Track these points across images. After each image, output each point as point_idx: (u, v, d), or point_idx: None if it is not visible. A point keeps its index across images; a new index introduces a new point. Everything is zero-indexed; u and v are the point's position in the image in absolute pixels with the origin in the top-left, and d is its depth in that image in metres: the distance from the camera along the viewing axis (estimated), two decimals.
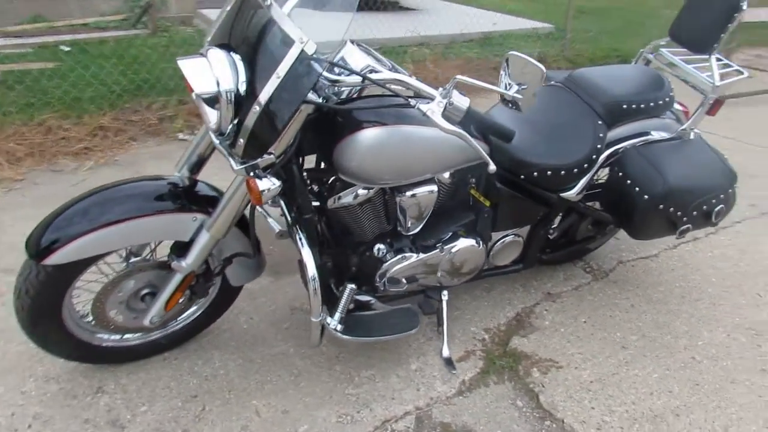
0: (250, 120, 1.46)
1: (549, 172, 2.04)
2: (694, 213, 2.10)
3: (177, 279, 1.78)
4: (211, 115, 1.52)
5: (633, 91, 2.18)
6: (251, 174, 1.53)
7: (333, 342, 2.12)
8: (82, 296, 1.81)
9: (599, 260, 2.71)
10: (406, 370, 2.04)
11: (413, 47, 5.36)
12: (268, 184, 1.51)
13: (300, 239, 1.72)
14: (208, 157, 1.89)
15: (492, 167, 1.61)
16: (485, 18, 6.36)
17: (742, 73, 2.30)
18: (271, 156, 1.53)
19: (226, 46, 1.56)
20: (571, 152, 2.07)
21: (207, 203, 1.76)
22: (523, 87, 1.44)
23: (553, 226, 2.29)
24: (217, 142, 1.57)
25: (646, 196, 2.03)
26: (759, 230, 3.05)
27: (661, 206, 2.03)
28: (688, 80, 2.30)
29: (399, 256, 1.93)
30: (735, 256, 2.81)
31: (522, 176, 2.04)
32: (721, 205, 2.15)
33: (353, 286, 1.87)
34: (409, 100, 1.53)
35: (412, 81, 1.52)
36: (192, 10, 5.97)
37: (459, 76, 1.49)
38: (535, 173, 2.04)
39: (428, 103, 1.51)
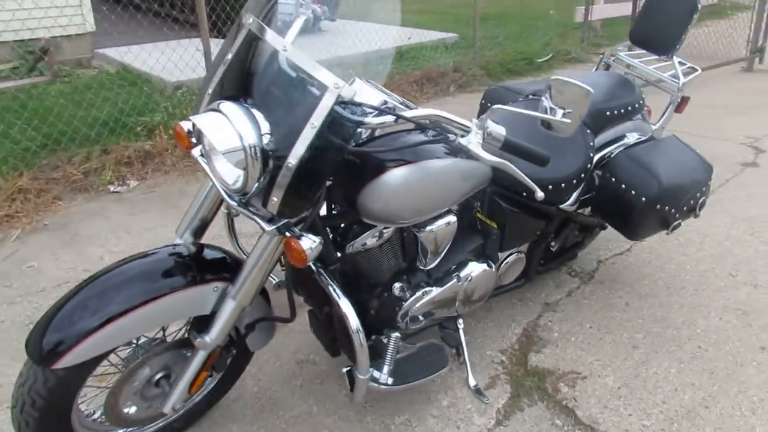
0: (285, 176, 1.33)
1: (551, 186, 2.04)
2: (684, 208, 2.19)
3: (201, 357, 1.60)
4: (232, 175, 1.38)
5: (612, 97, 2.24)
6: (288, 234, 1.41)
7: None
8: (87, 394, 1.58)
9: (580, 263, 2.77)
10: (439, 408, 1.96)
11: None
12: (310, 242, 1.39)
13: (334, 291, 1.60)
14: (212, 219, 1.73)
15: (540, 194, 1.58)
16: (392, 32, 6.36)
17: (696, 70, 2.44)
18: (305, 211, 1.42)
19: (235, 98, 1.43)
20: (568, 164, 2.09)
21: (222, 269, 1.61)
22: (568, 111, 1.41)
23: (554, 239, 2.30)
24: (234, 203, 1.44)
25: (643, 199, 2.08)
26: (709, 212, 3.24)
27: (658, 206, 2.09)
28: (651, 81, 2.40)
29: (419, 293, 1.86)
30: (698, 240, 2.97)
31: (524, 194, 2.03)
32: (704, 197, 2.25)
33: (398, 334, 1.77)
34: (448, 135, 1.47)
35: (447, 115, 1.46)
36: (89, 51, 5.56)
37: (496, 106, 1.45)
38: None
39: (465, 136, 1.46)
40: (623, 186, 2.12)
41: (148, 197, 3.51)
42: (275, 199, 1.37)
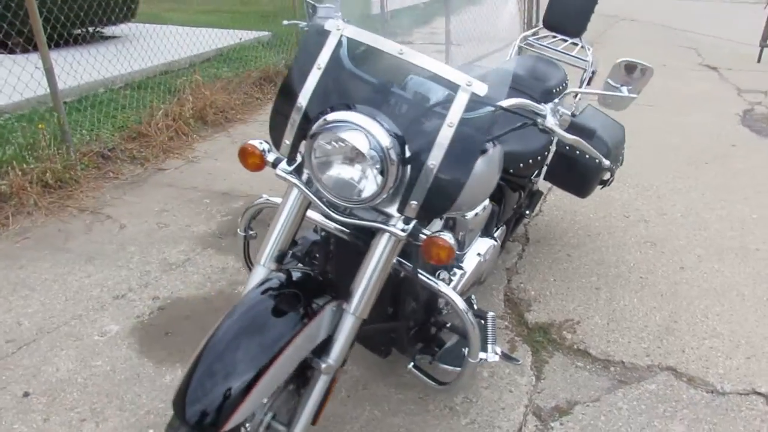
0: (426, 178, 1.35)
1: (530, 161, 2.28)
2: (617, 163, 2.60)
3: (325, 382, 1.51)
4: (369, 182, 1.35)
5: (550, 77, 2.55)
6: (422, 235, 1.41)
7: (401, 386, 2.05)
8: None
9: None
10: (485, 380, 2.10)
11: (181, 77, 4.91)
12: (450, 238, 1.42)
13: (432, 281, 1.63)
14: (292, 245, 1.63)
15: (607, 162, 1.78)
16: (200, 36, 6.00)
17: (590, 48, 2.87)
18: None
19: (345, 107, 1.39)
20: (540, 139, 2.34)
21: (324, 287, 1.54)
22: (629, 87, 1.62)
23: (527, 208, 2.55)
24: (337, 215, 1.41)
25: (596, 161, 2.43)
26: None
27: (606, 165, 2.46)
28: (564, 60, 2.77)
29: (457, 276, 1.96)
30: None
31: (511, 170, 2.24)
32: (624, 152, 2.69)
33: (493, 313, 1.84)
34: (536, 119, 1.59)
35: (528, 102, 1.58)
36: None
37: (572, 89, 1.61)
38: (521, 164, 2.25)
39: (545, 119, 1.59)
40: (577, 152, 2.45)
41: (24, 245, 2.99)
42: (414, 202, 1.37)
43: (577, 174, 2.49)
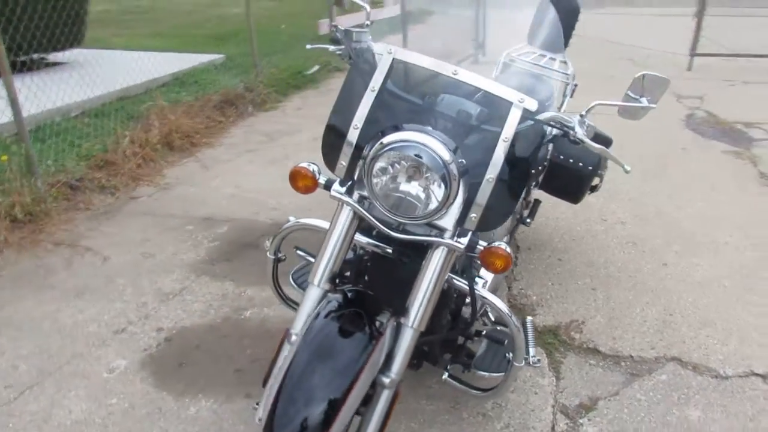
0: (485, 191, 1.41)
1: (533, 171, 2.38)
2: (606, 168, 2.75)
3: (388, 397, 1.53)
4: (434, 195, 1.39)
5: (539, 91, 2.67)
6: (479, 246, 1.47)
7: (431, 397, 2.09)
8: None
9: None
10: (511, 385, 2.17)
11: (142, 103, 4.79)
12: (507, 247, 1.48)
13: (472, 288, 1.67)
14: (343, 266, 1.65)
15: (628, 168, 1.88)
16: (153, 60, 5.86)
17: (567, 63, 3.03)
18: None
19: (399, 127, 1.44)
20: (541, 150, 2.45)
21: (377, 304, 1.56)
22: (648, 98, 1.73)
23: (528, 216, 2.65)
24: (393, 233, 1.46)
25: (590, 167, 2.56)
26: None
27: (598, 171, 2.60)
28: (547, 75, 2.91)
29: (482, 280, 2.02)
30: (553, 198, 3.64)
31: None
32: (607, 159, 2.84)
33: (531, 318, 1.90)
34: (568, 130, 1.68)
35: (560, 115, 1.66)
36: None
37: (597, 102, 1.71)
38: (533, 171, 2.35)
39: (574, 131, 1.68)
40: (571, 161, 2.57)
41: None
42: (474, 215, 1.43)
43: (573, 181, 2.61)
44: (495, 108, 1.44)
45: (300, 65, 7.02)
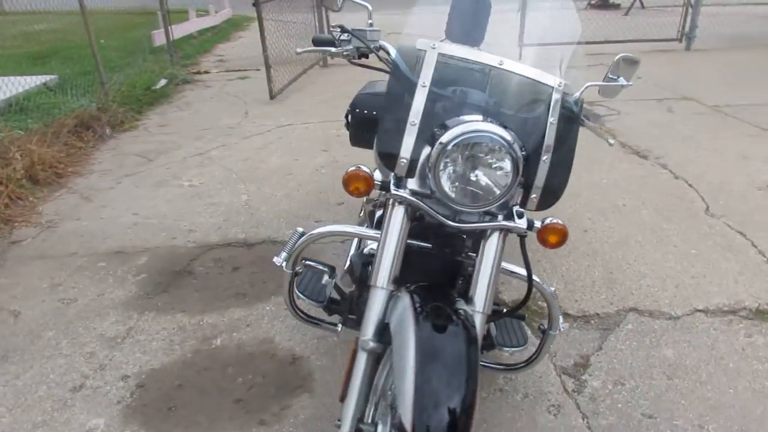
0: (542, 172, 1.50)
1: None
2: None
3: None
4: (500, 180, 1.44)
5: None
6: (544, 222, 1.55)
7: None
8: None
9: None
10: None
11: None
12: (561, 222, 1.57)
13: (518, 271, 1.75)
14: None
15: (611, 141, 2.06)
16: None
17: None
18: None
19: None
20: None
21: (448, 295, 1.57)
22: (625, 78, 1.92)
23: None
24: (452, 222, 1.50)
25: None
26: None
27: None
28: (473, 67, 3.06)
29: None
30: None
31: None
32: None
33: (553, 288, 1.99)
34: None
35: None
36: None
37: (592, 82, 1.86)
38: None
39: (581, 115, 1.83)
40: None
41: None
42: (534, 195, 1.51)
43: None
44: (537, 93, 1.52)
45: (145, 80, 6.55)
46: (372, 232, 1.73)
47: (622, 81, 1.84)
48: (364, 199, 2.95)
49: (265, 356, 2.34)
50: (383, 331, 1.51)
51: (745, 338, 2.37)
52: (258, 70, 7.68)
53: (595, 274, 2.84)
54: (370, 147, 3.01)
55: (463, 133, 1.41)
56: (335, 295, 2.05)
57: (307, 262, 1.92)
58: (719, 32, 8.27)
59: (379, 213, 2.06)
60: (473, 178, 1.45)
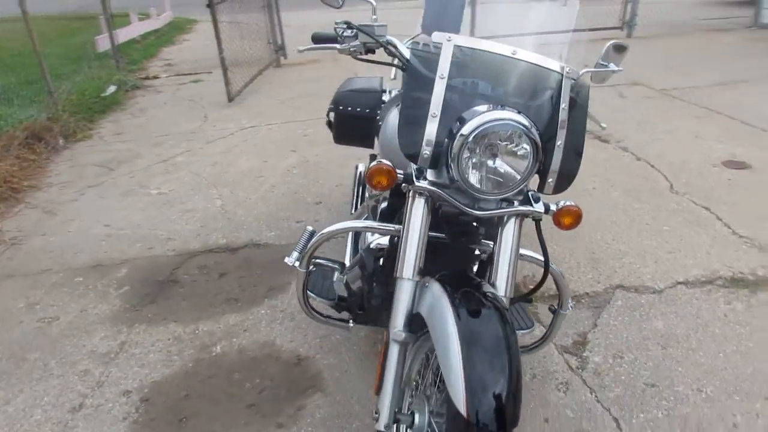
0: (557, 156, 1.55)
1: None
2: None
3: None
4: (519, 166, 1.48)
5: None
6: (559, 205, 1.60)
7: None
8: None
9: None
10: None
11: None
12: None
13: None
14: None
15: (604, 125, 2.12)
16: None
17: None
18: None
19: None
20: None
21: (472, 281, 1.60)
22: (615, 63, 1.98)
23: None
24: (474, 211, 1.53)
25: None
26: None
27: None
28: None
29: None
30: None
31: None
32: None
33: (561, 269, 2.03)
34: None
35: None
36: None
37: (585, 69, 1.92)
38: None
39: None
40: None
41: None
42: (551, 180, 1.56)
43: None
44: (548, 80, 1.57)
45: (94, 88, 6.33)
46: (390, 226, 1.74)
47: (612, 66, 1.91)
48: (356, 194, 2.95)
49: (269, 359, 2.32)
50: (412, 321, 1.53)
51: (725, 305, 2.51)
52: (210, 72, 7.55)
53: (578, 255, 2.94)
54: (356, 144, 3.02)
55: (483, 123, 1.44)
56: (342, 292, 2.06)
57: (318, 261, 1.92)
58: (658, 20, 8.62)
59: (383, 206, 2.08)
60: (494, 166, 1.48)
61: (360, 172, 3.13)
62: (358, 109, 2.80)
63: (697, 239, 3.03)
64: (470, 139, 1.44)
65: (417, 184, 1.52)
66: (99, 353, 2.40)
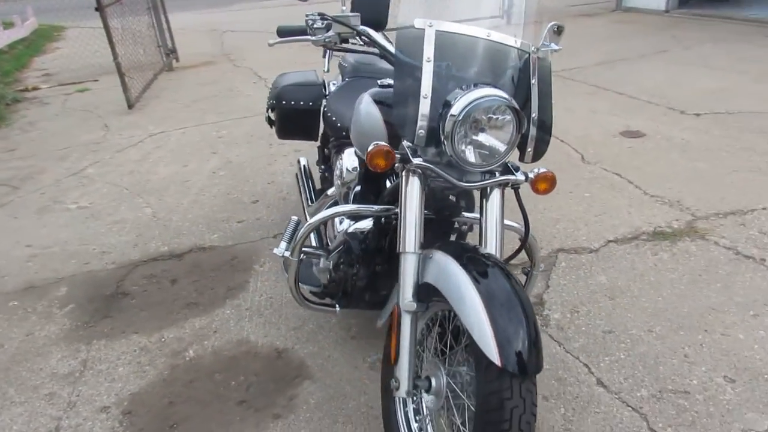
0: (533, 127, 1.69)
1: None
2: None
3: None
4: (503, 139, 1.60)
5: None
6: (536, 172, 1.74)
7: None
8: None
9: None
10: None
11: None
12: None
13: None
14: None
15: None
16: None
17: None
18: None
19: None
20: None
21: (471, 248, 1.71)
22: (555, 43, 2.16)
23: None
24: (465, 184, 1.64)
25: None
26: None
27: None
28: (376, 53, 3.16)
29: None
30: None
31: None
32: None
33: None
34: None
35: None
36: None
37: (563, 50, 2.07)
38: None
39: None
40: None
41: None
42: (530, 149, 1.70)
43: None
44: (517, 58, 1.71)
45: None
46: (378, 207, 1.81)
47: (553, 46, 2.09)
48: (304, 188, 2.97)
49: (248, 356, 2.31)
50: (419, 291, 1.62)
51: (653, 256, 2.81)
52: (96, 80, 7.17)
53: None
54: (300, 138, 3.04)
55: (469, 102, 1.54)
56: (326, 278, 2.11)
57: (305, 249, 1.95)
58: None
59: (356, 190, 2.14)
60: (480, 140, 1.60)
61: (303, 166, 3.15)
62: (302, 103, 2.82)
63: (616, 202, 3.35)
64: (460, 117, 1.54)
65: (414, 161, 1.60)
66: (61, 374, 2.28)
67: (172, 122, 5.35)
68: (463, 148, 1.58)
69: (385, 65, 2.95)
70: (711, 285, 2.56)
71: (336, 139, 2.65)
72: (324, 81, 2.96)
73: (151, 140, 4.92)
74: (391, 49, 1.82)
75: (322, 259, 2.04)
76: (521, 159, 1.70)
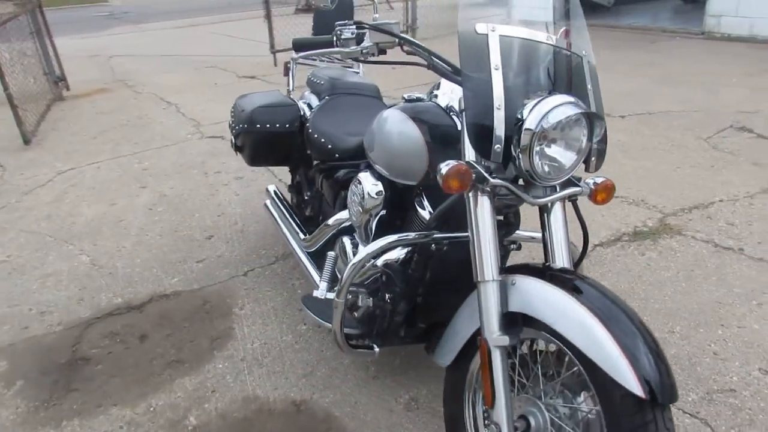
0: (600, 135, 1.59)
1: None
2: None
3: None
4: (574, 150, 1.50)
5: (360, 80, 2.76)
6: (596, 182, 1.64)
7: None
8: None
9: None
10: None
11: None
12: None
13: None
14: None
15: None
16: None
17: None
18: None
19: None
20: None
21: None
22: None
23: None
24: (537, 200, 1.54)
25: None
26: None
27: None
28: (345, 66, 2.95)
29: None
30: None
31: None
32: None
33: None
34: None
35: None
36: None
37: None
38: None
39: None
40: None
41: None
42: (593, 158, 1.60)
43: None
44: (573, 63, 1.61)
45: None
46: (439, 235, 1.65)
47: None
48: (285, 217, 2.70)
49: (262, 415, 2.02)
50: (505, 322, 1.46)
51: (641, 256, 2.84)
52: None
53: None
54: (273, 164, 2.79)
55: (545, 113, 1.41)
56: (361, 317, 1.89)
57: (352, 288, 1.73)
58: (435, 21, 9.36)
59: (381, 215, 1.93)
60: (553, 152, 1.48)
61: (275, 193, 2.89)
62: (277, 125, 2.57)
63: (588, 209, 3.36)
64: (536, 131, 1.41)
65: (492, 181, 1.44)
66: (27, 412, 1.87)
67: (81, 156, 4.80)
68: (537, 161, 1.45)
69: (360, 80, 2.79)
70: (707, 279, 2.61)
71: (322, 162, 2.43)
72: (294, 101, 2.73)
73: (62, 178, 4.36)
74: (440, 59, 1.65)
75: (361, 296, 1.82)
76: (586, 169, 1.59)
